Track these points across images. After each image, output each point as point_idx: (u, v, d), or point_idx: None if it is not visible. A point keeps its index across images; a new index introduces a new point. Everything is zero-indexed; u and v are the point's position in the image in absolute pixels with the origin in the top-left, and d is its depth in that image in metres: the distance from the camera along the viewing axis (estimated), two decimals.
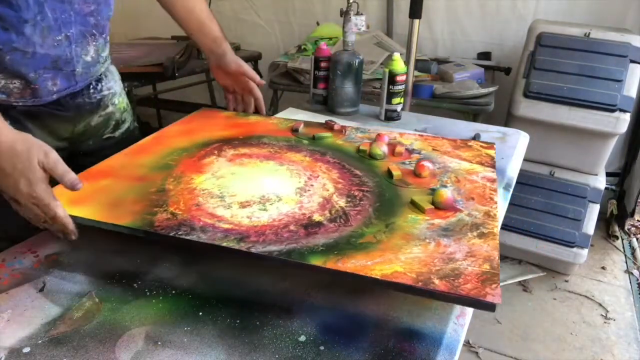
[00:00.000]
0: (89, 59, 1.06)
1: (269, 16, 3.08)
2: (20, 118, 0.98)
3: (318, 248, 0.75)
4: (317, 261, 0.72)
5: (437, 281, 0.68)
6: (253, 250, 0.74)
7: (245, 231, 0.79)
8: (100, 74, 1.14)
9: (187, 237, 0.77)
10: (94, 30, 1.04)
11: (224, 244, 0.75)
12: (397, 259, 0.73)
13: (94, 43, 1.06)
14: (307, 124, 1.27)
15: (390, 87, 1.41)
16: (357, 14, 1.45)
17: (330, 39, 2.57)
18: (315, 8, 2.91)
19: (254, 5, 3.09)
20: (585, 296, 2.14)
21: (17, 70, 0.93)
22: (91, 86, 1.11)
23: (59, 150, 0.81)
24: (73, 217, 0.83)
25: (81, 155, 1.13)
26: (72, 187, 0.79)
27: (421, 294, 0.69)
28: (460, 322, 0.71)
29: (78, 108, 1.09)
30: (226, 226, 0.80)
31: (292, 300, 0.74)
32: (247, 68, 1.30)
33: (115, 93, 1.19)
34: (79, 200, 0.86)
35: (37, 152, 0.77)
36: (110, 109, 1.18)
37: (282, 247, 0.75)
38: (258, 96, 1.35)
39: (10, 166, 0.76)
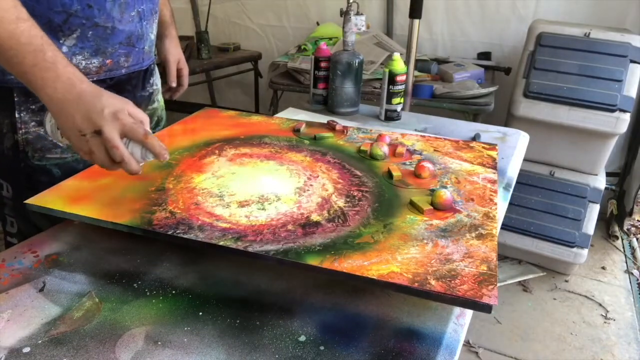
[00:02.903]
0: (152, 37, 1.13)
1: (261, 20, 3.06)
2: None
3: (315, 248, 0.75)
4: (313, 261, 0.72)
5: (433, 282, 0.68)
6: (250, 249, 0.74)
7: (243, 230, 0.79)
8: (153, 65, 1.20)
9: (185, 236, 0.77)
10: (156, 8, 1.11)
11: (221, 243, 0.76)
12: (394, 260, 0.73)
13: (156, 20, 1.12)
14: (309, 124, 1.28)
15: (390, 87, 1.41)
16: (357, 14, 1.45)
17: (330, 39, 2.57)
18: (309, 11, 2.91)
19: (245, 10, 3.07)
20: (585, 296, 2.15)
21: (98, 46, 0.99)
22: (144, 79, 1.17)
23: None
24: (73, 216, 0.84)
25: None
26: (159, 155, 0.77)
27: (417, 295, 0.69)
28: (460, 322, 0.71)
29: (136, 98, 1.13)
30: (224, 225, 0.80)
31: (292, 300, 0.74)
32: (171, 66, 1.29)
33: (159, 90, 1.25)
34: (79, 198, 0.86)
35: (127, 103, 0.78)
36: (155, 104, 1.23)
37: (279, 246, 0.75)
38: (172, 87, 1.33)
39: (100, 106, 0.74)
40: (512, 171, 1.17)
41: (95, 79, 1.00)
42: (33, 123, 0.97)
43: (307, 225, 0.81)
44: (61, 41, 0.94)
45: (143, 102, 1.18)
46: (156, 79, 1.24)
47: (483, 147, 1.17)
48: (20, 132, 0.97)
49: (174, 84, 1.31)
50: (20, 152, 0.99)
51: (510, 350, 1.85)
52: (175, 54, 1.31)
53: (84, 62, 0.99)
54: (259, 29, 3.09)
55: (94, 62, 1.00)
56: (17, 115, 0.96)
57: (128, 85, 1.12)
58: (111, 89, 0.91)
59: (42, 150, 1.00)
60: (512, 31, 2.52)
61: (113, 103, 0.75)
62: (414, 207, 0.89)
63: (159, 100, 1.26)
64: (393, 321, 0.70)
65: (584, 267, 2.30)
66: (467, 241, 0.79)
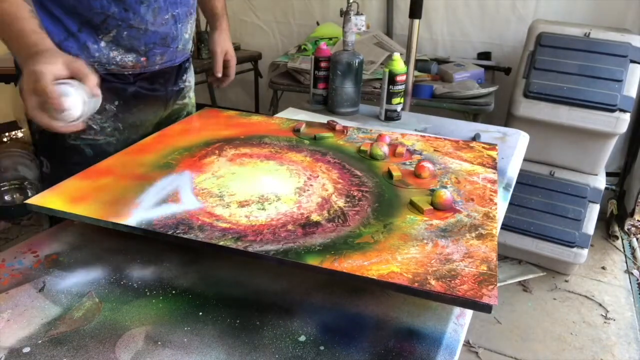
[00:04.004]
0: (187, 36, 1.20)
1: (268, 17, 3.08)
2: (130, 99, 1.14)
3: (315, 248, 0.75)
4: (313, 261, 0.72)
5: (433, 282, 0.68)
6: (250, 249, 0.74)
7: (243, 230, 0.79)
8: (187, 63, 1.27)
9: (185, 236, 0.77)
10: (191, 10, 1.19)
11: (221, 243, 0.76)
12: (394, 259, 0.73)
13: (191, 21, 1.20)
14: (309, 124, 1.28)
15: (390, 87, 1.41)
16: (357, 14, 1.45)
17: (330, 39, 2.57)
18: (314, 9, 2.92)
19: (252, 7, 3.09)
20: (585, 296, 2.15)
21: (132, 45, 1.08)
22: (177, 75, 1.23)
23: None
24: (73, 216, 0.84)
25: None
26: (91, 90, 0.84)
27: (417, 295, 0.69)
28: (460, 322, 0.71)
29: (167, 92, 1.22)
30: (224, 225, 0.80)
31: (292, 300, 0.74)
32: (218, 57, 1.34)
33: (191, 87, 1.32)
34: (80, 198, 0.86)
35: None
36: (186, 100, 1.29)
37: (279, 246, 0.75)
38: (221, 79, 1.39)
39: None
40: (512, 171, 1.17)
41: (130, 72, 1.12)
42: None
43: (307, 225, 0.81)
44: (100, 37, 1.05)
45: (173, 96, 1.25)
46: (189, 77, 1.30)
47: (483, 147, 1.17)
48: None
49: (219, 74, 1.36)
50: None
51: (510, 350, 1.85)
52: (223, 45, 1.35)
53: (119, 57, 1.08)
54: (265, 25, 3.10)
55: (129, 58, 1.10)
56: None
57: (161, 79, 1.19)
58: (144, 82, 1.14)
59: (77, 131, 1.02)
60: (512, 31, 2.52)
61: (40, 69, 0.80)
62: (414, 207, 0.89)
63: (191, 97, 1.33)
64: (393, 321, 0.70)
65: (584, 267, 2.30)
66: (467, 241, 0.79)
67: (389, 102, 1.43)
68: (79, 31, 1.04)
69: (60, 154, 1.12)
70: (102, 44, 1.06)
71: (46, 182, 1.13)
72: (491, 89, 2.22)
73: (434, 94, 2.19)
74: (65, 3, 1.01)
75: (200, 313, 0.70)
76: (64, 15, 1.02)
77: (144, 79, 1.15)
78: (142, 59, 1.11)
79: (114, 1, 1.02)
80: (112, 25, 1.04)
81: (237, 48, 2.97)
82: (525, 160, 1.35)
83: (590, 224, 2.15)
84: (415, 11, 1.73)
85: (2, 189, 2.59)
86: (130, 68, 1.11)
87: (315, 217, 0.84)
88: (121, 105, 1.13)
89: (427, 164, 1.02)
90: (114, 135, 1.14)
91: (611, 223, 2.59)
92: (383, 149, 1.10)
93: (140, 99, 1.16)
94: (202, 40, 2.70)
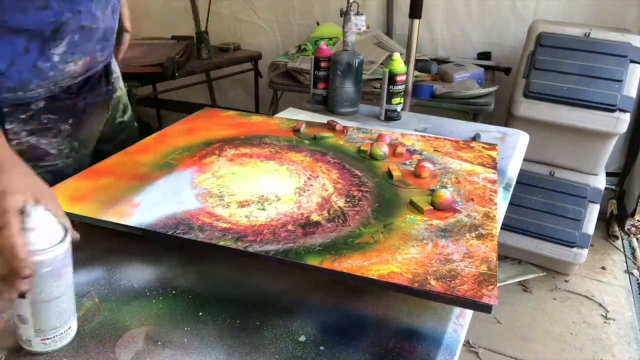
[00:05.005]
0: (116, 26, 1.11)
1: (268, 16, 3.08)
2: (80, 114, 1.05)
3: (315, 248, 0.75)
4: (313, 261, 0.72)
5: (433, 282, 0.68)
6: (250, 249, 0.74)
7: (243, 230, 0.79)
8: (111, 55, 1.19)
9: (185, 236, 0.77)
10: None
11: (221, 243, 0.76)
12: (394, 260, 0.73)
13: (118, 10, 1.11)
14: (309, 124, 1.28)
15: (390, 87, 1.41)
16: (357, 14, 1.45)
17: (330, 39, 2.57)
18: (314, 9, 2.92)
19: (253, 6, 3.09)
20: (585, 296, 2.15)
21: (83, 47, 0.98)
22: (107, 69, 1.15)
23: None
24: (73, 216, 0.83)
25: (103, 141, 1.16)
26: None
27: (417, 295, 0.69)
28: (460, 322, 0.71)
29: (108, 93, 1.14)
30: (224, 225, 0.80)
31: (292, 300, 0.74)
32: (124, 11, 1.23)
33: (119, 77, 1.23)
34: (79, 198, 0.86)
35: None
36: (118, 92, 1.21)
37: (279, 246, 0.75)
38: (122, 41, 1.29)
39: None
40: (512, 171, 1.17)
41: (77, 82, 1.02)
42: (24, 133, 0.96)
43: (307, 225, 0.81)
44: (52, 51, 0.92)
45: (110, 93, 1.15)
46: (114, 66, 1.20)
47: (483, 147, 1.17)
48: (13, 142, 0.95)
49: (128, 28, 1.25)
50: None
51: (510, 350, 1.85)
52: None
53: (72, 66, 0.98)
54: (266, 25, 3.10)
55: (79, 64, 1.00)
56: (8, 127, 0.94)
57: (100, 81, 1.11)
58: (88, 91, 1.05)
59: (35, 159, 0.99)
60: (512, 31, 2.52)
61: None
62: (414, 207, 0.89)
63: (122, 87, 1.22)
64: (393, 321, 0.70)
65: (584, 267, 2.29)
66: (467, 241, 0.79)
67: (389, 102, 1.43)
68: (26, 52, 0.89)
69: None
70: (56, 58, 0.93)
71: None
72: (491, 89, 2.22)
73: (434, 94, 2.19)
74: (10, 23, 0.85)
75: (200, 313, 0.70)
76: (8, 35, 0.86)
77: (88, 89, 1.06)
78: (88, 58, 1.01)
79: (65, 5, 0.90)
80: (65, 32, 0.92)
81: (237, 48, 2.97)
82: (525, 160, 1.35)
83: (590, 224, 2.15)
84: (415, 11, 1.73)
85: None
86: (81, 75, 1.02)
87: (315, 217, 0.84)
88: (75, 123, 1.04)
89: (427, 164, 1.02)
90: (70, 155, 1.04)
91: (611, 223, 2.59)
92: (383, 149, 1.10)
93: (88, 111, 1.08)
94: (202, 40, 2.70)
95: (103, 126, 1.15)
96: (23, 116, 0.96)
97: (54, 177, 0.99)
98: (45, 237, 0.59)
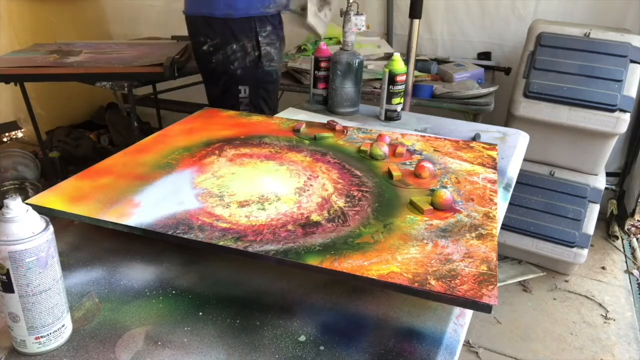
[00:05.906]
0: None
1: None
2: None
3: (315, 248, 0.75)
4: (313, 261, 0.72)
5: (433, 282, 0.68)
6: (250, 249, 0.74)
7: (243, 230, 0.79)
8: None
9: (185, 236, 0.77)
10: None
11: (221, 243, 0.76)
12: (394, 260, 0.73)
13: None
14: (309, 124, 1.28)
15: (390, 87, 1.41)
16: (357, 14, 1.45)
17: (330, 39, 2.57)
18: None
19: None
20: (585, 296, 2.15)
21: None
22: None
23: None
24: (73, 216, 0.84)
25: None
26: None
27: (417, 295, 0.69)
28: (460, 322, 0.71)
29: None
30: (224, 225, 0.80)
31: (292, 300, 0.74)
32: None
33: None
34: (79, 198, 0.86)
35: None
36: None
37: (279, 246, 0.75)
38: None
39: None
40: (512, 171, 1.17)
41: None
42: (265, 42, 1.59)
43: (307, 225, 0.81)
44: None
45: None
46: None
47: (483, 147, 1.17)
48: (262, 48, 1.58)
49: None
50: (259, 62, 1.60)
51: (510, 350, 1.85)
52: None
53: None
54: None
55: None
56: (259, 39, 1.57)
57: None
58: None
59: (269, 59, 1.61)
60: (512, 31, 2.52)
61: None
62: (414, 207, 0.89)
63: None
64: (393, 321, 0.70)
65: (584, 267, 2.30)
66: (467, 241, 0.79)
67: (389, 102, 1.43)
68: None
69: (259, 80, 1.61)
70: None
71: (242, 104, 1.64)
72: (491, 89, 2.22)
73: (434, 94, 2.19)
74: None
75: (200, 313, 0.70)
76: None
77: None
78: None
79: None
80: None
81: None
82: (525, 160, 1.35)
83: (590, 224, 2.15)
84: (415, 11, 1.73)
85: (2, 189, 2.59)
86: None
87: (315, 217, 0.84)
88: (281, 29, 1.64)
89: (427, 164, 1.02)
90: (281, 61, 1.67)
91: (611, 223, 2.59)
92: (383, 149, 1.10)
93: None
94: None
95: None
96: (264, 33, 1.58)
97: (277, 73, 1.68)
98: (27, 227, 0.59)
